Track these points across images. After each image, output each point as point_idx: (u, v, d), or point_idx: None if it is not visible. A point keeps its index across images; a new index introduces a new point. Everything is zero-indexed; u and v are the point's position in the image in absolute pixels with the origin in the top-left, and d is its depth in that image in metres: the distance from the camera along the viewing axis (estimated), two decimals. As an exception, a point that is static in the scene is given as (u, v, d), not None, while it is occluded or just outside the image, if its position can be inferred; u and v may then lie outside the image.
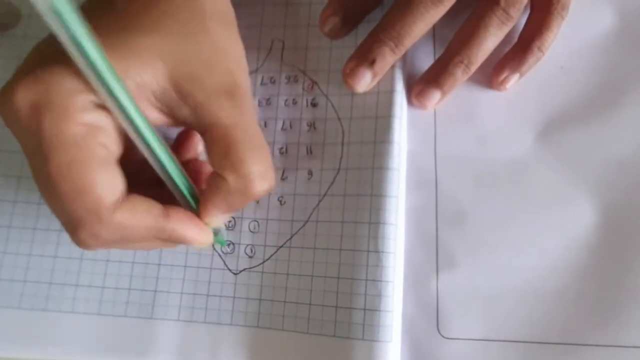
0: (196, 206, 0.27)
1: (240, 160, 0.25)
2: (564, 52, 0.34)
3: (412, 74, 0.34)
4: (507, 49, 0.34)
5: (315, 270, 0.31)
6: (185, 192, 0.26)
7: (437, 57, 0.33)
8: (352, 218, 0.31)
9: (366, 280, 0.30)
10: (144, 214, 0.24)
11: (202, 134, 0.25)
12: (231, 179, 0.25)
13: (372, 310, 0.29)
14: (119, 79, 0.22)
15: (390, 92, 0.32)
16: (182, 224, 0.25)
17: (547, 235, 0.32)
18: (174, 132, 0.31)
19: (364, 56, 0.32)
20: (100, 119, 0.23)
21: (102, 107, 0.23)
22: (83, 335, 0.32)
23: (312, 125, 0.34)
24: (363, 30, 0.34)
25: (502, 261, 0.31)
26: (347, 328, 0.30)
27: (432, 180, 0.33)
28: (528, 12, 0.33)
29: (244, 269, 0.33)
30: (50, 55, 0.23)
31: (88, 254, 0.33)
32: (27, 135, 0.23)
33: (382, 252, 0.30)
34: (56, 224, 0.32)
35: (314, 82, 0.34)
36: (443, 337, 0.31)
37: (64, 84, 0.22)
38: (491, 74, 0.34)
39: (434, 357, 0.30)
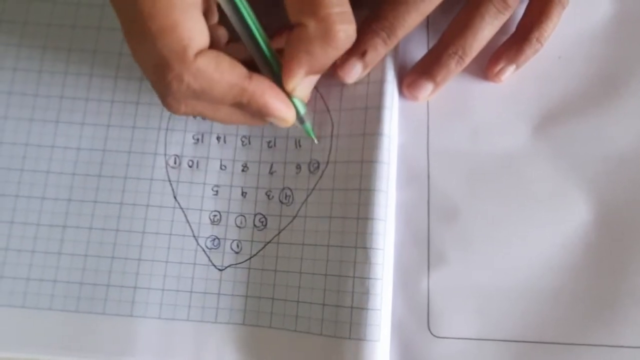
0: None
1: (318, 2, 0.24)
2: (561, 42, 0.33)
3: (404, 63, 0.33)
4: (504, 39, 0.33)
5: (304, 267, 0.31)
6: (266, 51, 0.26)
7: (430, 46, 0.32)
8: (340, 213, 0.30)
9: (354, 277, 0.29)
10: (227, 69, 0.25)
11: None
12: (310, 23, 0.25)
13: (360, 308, 0.29)
14: None
15: (381, 82, 0.31)
16: (263, 88, 0.26)
17: (542, 233, 0.31)
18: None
19: (355, 47, 0.30)
20: None
21: None
22: (62, 334, 0.31)
23: (301, 118, 0.33)
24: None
25: (495, 259, 0.31)
26: (333, 327, 0.29)
27: (424, 174, 0.32)
28: (527, 0, 0.32)
29: (230, 265, 0.32)
30: None
31: (66, 247, 0.32)
32: None
33: (371, 248, 0.29)
34: (34, 216, 0.32)
35: None
36: (434, 336, 0.30)
37: None
38: (486, 65, 0.33)
39: (425, 357, 0.30)
